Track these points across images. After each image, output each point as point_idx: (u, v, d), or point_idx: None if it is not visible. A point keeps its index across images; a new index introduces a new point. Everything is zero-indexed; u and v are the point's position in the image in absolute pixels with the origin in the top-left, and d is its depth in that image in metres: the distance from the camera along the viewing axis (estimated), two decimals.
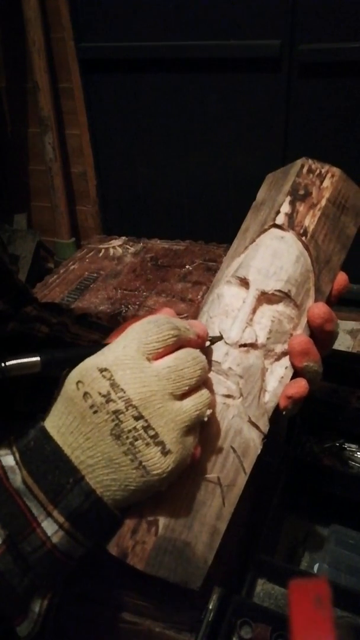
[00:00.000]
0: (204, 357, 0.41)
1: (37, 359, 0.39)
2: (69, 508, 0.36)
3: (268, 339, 0.46)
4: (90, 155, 1.93)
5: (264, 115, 1.62)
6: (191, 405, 0.39)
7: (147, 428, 0.37)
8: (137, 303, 1.19)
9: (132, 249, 1.49)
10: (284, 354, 0.47)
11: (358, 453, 0.77)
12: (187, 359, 0.39)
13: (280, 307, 0.46)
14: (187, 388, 0.39)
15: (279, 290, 0.46)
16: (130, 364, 0.37)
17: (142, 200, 1.95)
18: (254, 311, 0.46)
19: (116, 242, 1.55)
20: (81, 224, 2.13)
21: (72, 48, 1.75)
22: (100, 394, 0.37)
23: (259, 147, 1.67)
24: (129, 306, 1.18)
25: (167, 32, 1.61)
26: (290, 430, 0.74)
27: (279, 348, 0.46)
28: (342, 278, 0.51)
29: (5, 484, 0.37)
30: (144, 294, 1.23)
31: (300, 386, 0.46)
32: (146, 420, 0.37)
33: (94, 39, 1.72)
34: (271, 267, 0.47)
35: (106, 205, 2.03)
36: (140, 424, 0.37)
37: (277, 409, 0.46)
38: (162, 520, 0.42)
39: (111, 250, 1.50)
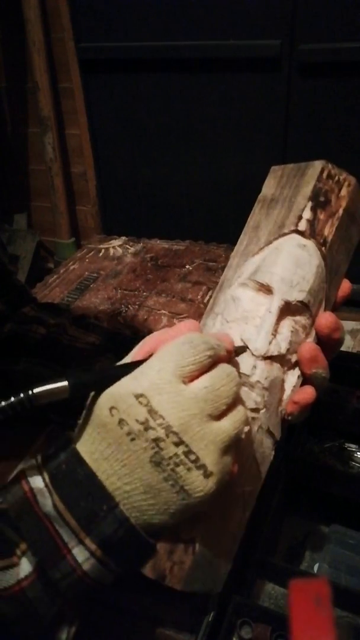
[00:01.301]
0: (236, 372, 0.40)
1: (65, 383, 0.37)
2: (102, 536, 0.35)
3: (287, 349, 0.45)
4: (90, 155, 1.93)
5: (264, 115, 1.62)
6: (229, 424, 0.38)
7: (188, 453, 0.36)
8: (137, 303, 1.19)
9: (132, 249, 1.49)
10: (297, 362, 0.46)
11: (358, 453, 0.77)
12: (222, 377, 0.38)
13: (298, 317, 0.46)
14: (224, 407, 0.38)
15: (301, 302, 0.45)
16: (167, 389, 0.36)
17: (142, 200, 1.95)
18: (278, 322, 0.45)
19: (116, 242, 1.55)
20: (81, 224, 2.13)
21: (72, 48, 1.75)
22: (137, 421, 0.36)
23: (259, 147, 1.67)
24: (129, 306, 1.18)
25: (167, 32, 1.61)
26: (290, 430, 0.74)
27: (294, 357, 0.46)
28: (346, 285, 0.51)
29: (35, 508, 0.36)
30: (144, 294, 1.23)
31: (307, 392, 0.46)
32: (187, 446, 0.36)
33: (94, 39, 1.72)
34: (294, 277, 0.46)
35: (106, 205, 2.03)
36: (181, 449, 0.36)
37: (284, 416, 0.47)
38: (198, 539, 0.42)
39: (111, 250, 1.50)
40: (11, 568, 0.36)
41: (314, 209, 0.49)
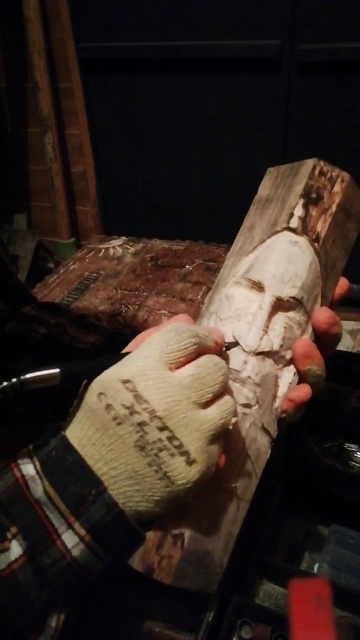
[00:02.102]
0: (224, 363, 0.41)
1: (57, 371, 0.38)
2: (91, 520, 0.36)
3: (281, 345, 0.45)
4: (90, 155, 1.93)
5: (264, 115, 1.62)
6: (216, 413, 0.38)
7: (171, 438, 0.36)
8: (137, 303, 1.19)
9: (132, 249, 1.49)
10: (292, 359, 0.46)
11: (358, 453, 0.77)
12: (209, 365, 0.39)
13: (292, 313, 0.46)
14: (210, 395, 0.39)
15: (293, 297, 0.45)
16: (152, 375, 0.37)
17: (142, 200, 1.95)
18: (269, 318, 0.45)
19: (116, 242, 1.55)
20: (81, 224, 2.13)
21: (72, 48, 1.75)
22: (123, 405, 0.36)
23: (259, 147, 1.67)
24: (129, 306, 1.18)
25: (167, 32, 1.61)
26: (290, 430, 0.74)
27: (289, 354, 0.46)
28: (344, 283, 0.51)
29: (26, 494, 0.37)
30: (144, 294, 1.23)
31: (303, 390, 0.45)
32: (171, 431, 0.36)
33: (94, 39, 1.72)
34: (286, 273, 0.46)
35: (106, 205, 2.03)
36: (164, 434, 0.36)
37: (280, 413, 0.46)
38: (187, 533, 0.42)
39: (111, 250, 1.50)
40: (2, 552, 0.36)
41: (305, 206, 0.49)
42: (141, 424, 0.36)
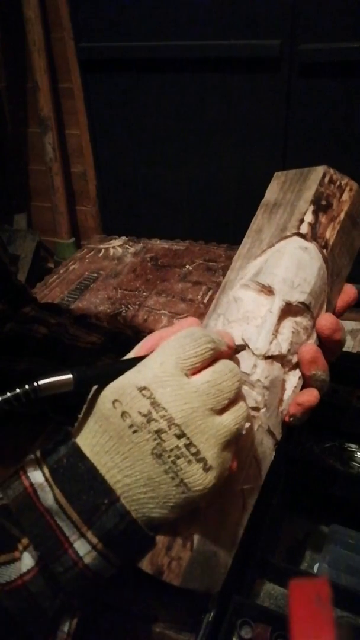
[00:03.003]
0: (239, 369, 0.40)
1: (70, 376, 0.37)
2: (103, 529, 0.36)
3: (288, 350, 0.46)
4: (90, 155, 1.93)
5: (264, 115, 1.62)
6: (231, 419, 0.38)
7: (189, 446, 0.36)
8: (137, 303, 1.19)
9: (132, 249, 1.49)
10: (297, 363, 0.47)
11: (358, 453, 0.77)
12: (225, 372, 0.39)
13: (299, 318, 0.47)
14: (226, 402, 0.38)
15: (302, 303, 0.46)
16: (169, 381, 0.37)
17: (142, 200, 1.95)
18: (279, 322, 0.46)
19: (116, 242, 1.55)
20: (81, 224, 2.13)
21: (72, 48, 1.75)
22: (140, 413, 0.36)
23: (259, 147, 1.67)
24: (129, 306, 1.18)
25: (167, 32, 1.61)
26: (290, 430, 0.74)
27: (295, 358, 0.46)
28: (352, 292, 0.51)
29: (36, 503, 0.36)
30: (144, 294, 1.23)
31: (312, 395, 0.46)
32: (188, 438, 0.36)
33: (94, 39, 1.72)
34: (296, 278, 0.46)
35: (106, 205, 2.03)
36: (182, 442, 0.36)
37: (286, 417, 0.47)
38: (196, 535, 0.42)
39: (111, 250, 1.50)
40: (13, 562, 0.36)
41: (315, 213, 0.49)
42: (159, 432, 0.36)
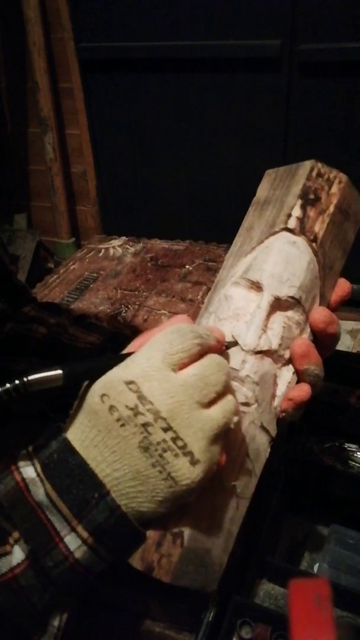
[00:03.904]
0: (227, 362, 0.41)
1: (59, 372, 0.38)
2: (94, 523, 0.36)
3: (279, 345, 0.45)
4: (90, 155, 1.93)
5: (264, 115, 1.62)
6: (219, 413, 0.38)
7: (175, 439, 0.36)
8: (137, 303, 1.19)
9: (132, 249, 1.49)
10: (290, 359, 0.47)
11: (358, 453, 0.77)
12: (212, 365, 0.39)
13: (290, 313, 0.46)
14: (213, 395, 0.39)
15: (292, 297, 0.46)
16: (156, 376, 0.37)
17: (142, 200, 1.95)
18: (268, 317, 0.46)
19: (116, 242, 1.55)
20: (81, 224, 2.13)
21: (72, 48, 1.75)
22: (127, 407, 0.36)
23: (259, 147, 1.67)
24: (129, 306, 1.18)
25: (167, 32, 1.61)
26: (290, 430, 0.74)
27: (287, 353, 0.46)
28: (346, 286, 0.51)
29: (27, 497, 0.36)
30: (144, 294, 1.23)
31: (303, 390, 0.46)
32: (175, 431, 0.36)
33: (94, 39, 1.72)
34: (284, 273, 0.46)
35: (106, 205, 2.03)
36: (169, 435, 0.36)
37: (279, 413, 0.46)
38: (186, 531, 0.42)
39: (111, 250, 1.50)
40: (4, 556, 0.36)
41: (303, 207, 0.49)
42: (145, 425, 0.36)
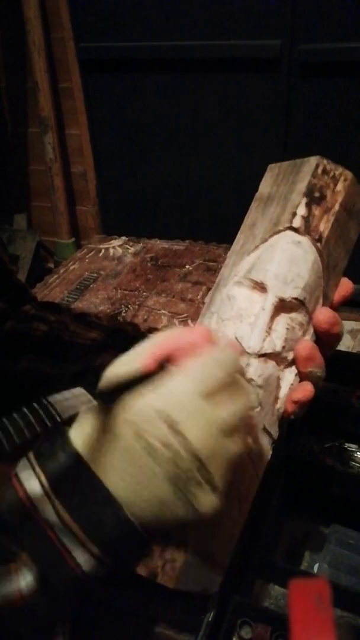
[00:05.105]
0: (255, 396, 0.40)
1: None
2: (105, 539, 0.35)
3: (283, 347, 0.45)
4: (90, 155, 1.93)
5: (264, 115, 1.62)
6: (240, 443, 0.38)
7: (202, 470, 0.36)
8: (137, 303, 1.19)
9: (132, 249, 1.49)
10: (294, 360, 0.46)
11: (358, 453, 0.77)
12: (246, 405, 0.38)
13: (294, 314, 0.46)
14: (241, 430, 0.38)
15: (296, 298, 0.45)
16: (189, 407, 0.36)
17: (142, 200, 1.95)
18: (272, 319, 0.45)
19: (116, 242, 1.55)
20: (81, 224, 2.13)
21: (72, 48, 1.75)
22: (157, 437, 0.35)
23: (259, 147, 1.67)
24: (129, 306, 1.18)
25: (167, 32, 1.60)
26: (290, 430, 0.74)
27: (290, 355, 0.46)
28: (348, 286, 0.51)
29: (34, 515, 0.35)
30: (144, 294, 1.23)
31: (307, 390, 0.45)
32: (203, 464, 0.36)
33: (94, 39, 1.72)
34: (289, 274, 0.45)
35: (106, 205, 2.03)
36: (196, 466, 0.35)
37: (283, 414, 0.46)
38: (190, 537, 0.42)
39: (111, 250, 1.50)
40: (9, 575, 0.35)
41: (308, 205, 0.48)
42: (175, 457, 0.35)
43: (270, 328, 0.45)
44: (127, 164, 1.89)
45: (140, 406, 0.36)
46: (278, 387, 0.45)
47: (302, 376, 0.46)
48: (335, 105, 1.52)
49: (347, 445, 0.78)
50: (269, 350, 0.44)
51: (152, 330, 0.69)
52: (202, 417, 0.36)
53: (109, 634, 0.54)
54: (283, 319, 0.45)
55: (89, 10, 1.67)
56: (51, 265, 2.20)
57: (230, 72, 1.59)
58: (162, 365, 0.39)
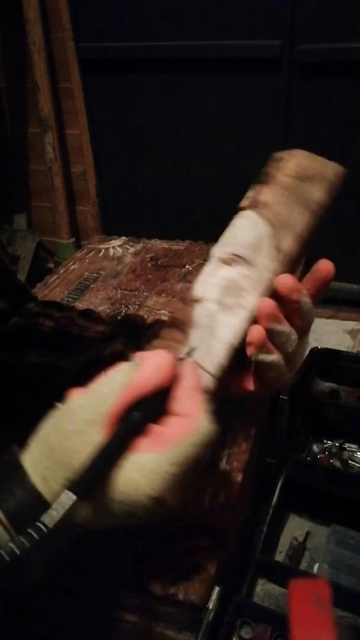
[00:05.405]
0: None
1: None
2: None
3: (224, 294, 0.50)
4: (90, 155, 1.93)
5: (264, 115, 1.62)
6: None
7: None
8: (137, 303, 1.19)
9: (132, 249, 1.49)
10: (238, 306, 0.50)
11: (358, 453, 0.77)
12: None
13: (235, 266, 0.52)
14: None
15: (232, 254, 0.51)
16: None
17: (142, 200, 1.95)
18: (213, 273, 0.52)
19: (116, 242, 1.55)
20: (81, 224, 2.13)
21: (72, 48, 1.75)
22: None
23: (258, 147, 1.67)
24: (129, 306, 1.18)
25: (167, 32, 1.61)
26: (290, 430, 0.74)
27: (232, 302, 0.50)
28: (326, 265, 0.49)
29: None
30: (144, 294, 1.23)
31: (256, 329, 0.47)
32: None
33: (94, 39, 1.72)
34: (229, 239, 0.53)
35: (106, 205, 2.03)
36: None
37: (246, 358, 0.48)
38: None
39: (111, 251, 1.49)
40: None
41: (255, 187, 0.54)
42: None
43: (211, 279, 0.51)
44: (127, 163, 1.89)
45: (135, 493, 0.35)
46: (219, 329, 0.50)
47: (268, 334, 0.48)
48: (335, 105, 1.52)
49: (347, 445, 0.78)
50: (208, 296, 0.50)
51: (159, 320, 0.70)
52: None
53: (109, 633, 0.54)
54: (224, 272, 0.52)
55: (89, 10, 1.67)
56: (51, 265, 2.20)
57: (230, 72, 1.59)
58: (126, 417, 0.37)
